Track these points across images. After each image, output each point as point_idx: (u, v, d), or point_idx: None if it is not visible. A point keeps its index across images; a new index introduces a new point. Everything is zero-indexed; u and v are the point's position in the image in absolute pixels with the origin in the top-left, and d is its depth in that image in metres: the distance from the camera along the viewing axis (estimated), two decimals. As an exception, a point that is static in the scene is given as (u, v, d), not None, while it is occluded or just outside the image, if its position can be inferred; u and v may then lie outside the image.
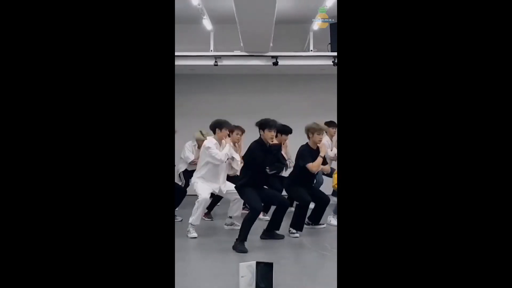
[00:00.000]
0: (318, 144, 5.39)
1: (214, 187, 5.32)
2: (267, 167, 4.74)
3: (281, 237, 5.06)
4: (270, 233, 5.07)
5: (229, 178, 5.61)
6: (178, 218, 5.91)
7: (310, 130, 5.38)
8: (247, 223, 4.64)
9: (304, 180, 5.39)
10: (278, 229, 5.09)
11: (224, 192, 5.40)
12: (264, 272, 3.31)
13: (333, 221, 5.74)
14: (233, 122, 5.66)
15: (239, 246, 4.56)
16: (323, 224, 5.69)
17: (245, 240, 4.61)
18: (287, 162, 5.55)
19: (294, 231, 5.22)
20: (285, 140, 5.75)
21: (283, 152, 5.46)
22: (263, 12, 5.52)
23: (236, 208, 5.49)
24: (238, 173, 5.60)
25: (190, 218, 5.17)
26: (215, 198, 6.02)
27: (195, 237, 5.09)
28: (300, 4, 7.31)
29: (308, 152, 5.32)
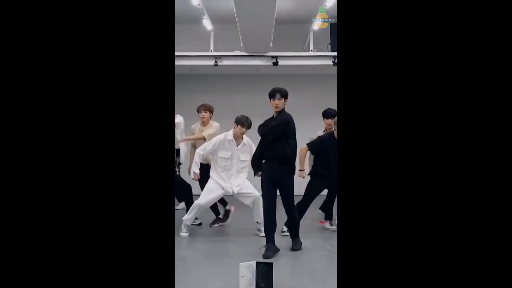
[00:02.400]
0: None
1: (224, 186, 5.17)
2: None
3: (298, 248, 4.59)
4: (294, 240, 4.66)
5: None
6: (197, 221, 5.74)
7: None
8: (266, 219, 4.45)
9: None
10: (297, 236, 4.65)
11: (236, 193, 5.19)
12: (264, 272, 3.31)
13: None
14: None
15: (267, 250, 4.32)
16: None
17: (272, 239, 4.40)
18: None
19: (285, 229, 5.14)
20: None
21: None
22: (263, 12, 5.53)
23: (259, 211, 5.07)
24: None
25: (184, 216, 5.26)
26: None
27: (186, 236, 5.17)
28: (300, 4, 7.32)
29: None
